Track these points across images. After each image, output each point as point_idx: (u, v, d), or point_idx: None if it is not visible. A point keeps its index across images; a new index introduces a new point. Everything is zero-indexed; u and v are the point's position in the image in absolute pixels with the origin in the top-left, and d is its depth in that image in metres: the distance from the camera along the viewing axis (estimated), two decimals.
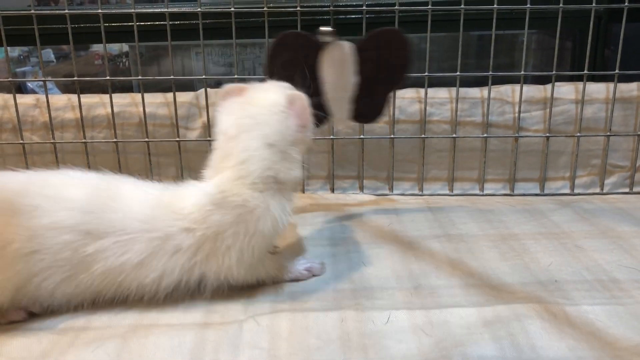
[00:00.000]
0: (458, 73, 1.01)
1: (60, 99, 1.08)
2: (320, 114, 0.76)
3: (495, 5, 0.97)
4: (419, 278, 0.74)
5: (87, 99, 1.06)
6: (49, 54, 1.90)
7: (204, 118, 1.04)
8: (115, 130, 1.03)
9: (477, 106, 1.07)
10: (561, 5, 0.98)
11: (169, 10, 0.97)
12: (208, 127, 1.02)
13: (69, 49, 1.01)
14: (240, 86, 0.71)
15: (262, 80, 0.76)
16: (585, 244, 0.83)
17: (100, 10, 0.95)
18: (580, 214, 0.95)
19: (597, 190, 1.07)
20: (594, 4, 0.99)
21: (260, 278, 0.71)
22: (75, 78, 1.00)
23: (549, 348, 0.59)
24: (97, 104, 1.07)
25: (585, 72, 1.01)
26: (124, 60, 1.92)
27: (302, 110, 0.67)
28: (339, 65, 0.82)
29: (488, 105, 1.04)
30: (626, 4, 0.98)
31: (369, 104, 0.85)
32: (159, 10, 1.04)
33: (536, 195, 1.06)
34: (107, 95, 1.01)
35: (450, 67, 1.00)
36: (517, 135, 1.05)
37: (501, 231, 0.89)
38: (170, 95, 1.04)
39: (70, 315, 0.66)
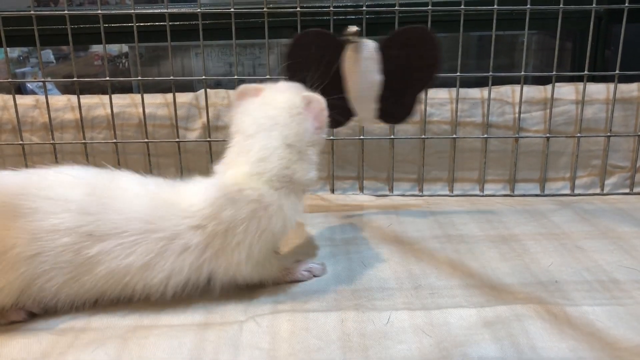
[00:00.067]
0: (458, 73, 1.01)
1: (59, 100, 1.08)
2: (336, 116, 0.75)
3: (495, 6, 0.97)
4: (419, 278, 0.74)
5: (87, 99, 1.06)
6: (48, 54, 1.90)
7: (204, 119, 1.04)
8: (115, 130, 1.03)
9: (477, 107, 1.07)
10: (561, 5, 0.98)
11: (169, 11, 0.97)
12: (208, 128, 1.02)
13: (69, 50, 1.01)
14: (256, 86, 0.72)
15: (273, 80, 0.76)
16: (586, 245, 0.83)
17: (99, 11, 0.95)
18: (581, 214, 0.95)
19: (598, 190, 1.07)
20: (594, 5, 0.99)
21: (265, 277, 0.71)
22: (74, 79, 1.00)
23: (550, 349, 0.58)
24: (96, 104, 1.07)
25: (586, 72, 1.01)
26: (123, 61, 1.92)
27: (319, 112, 0.68)
28: (362, 64, 0.80)
29: (488, 105, 1.04)
30: (626, 4, 0.98)
31: (397, 104, 0.83)
32: (159, 11, 1.04)
33: (536, 195, 1.06)
34: (107, 96, 1.01)
35: (450, 67, 1.00)
36: (517, 135, 1.05)
37: (501, 232, 0.89)
38: (169, 95, 1.03)
39: (70, 316, 0.66)
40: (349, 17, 1.09)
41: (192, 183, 0.70)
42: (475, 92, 1.08)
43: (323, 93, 0.70)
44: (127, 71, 1.85)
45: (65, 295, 0.64)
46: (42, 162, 1.02)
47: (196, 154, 1.06)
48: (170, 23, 0.97)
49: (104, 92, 1.04)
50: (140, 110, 1.02)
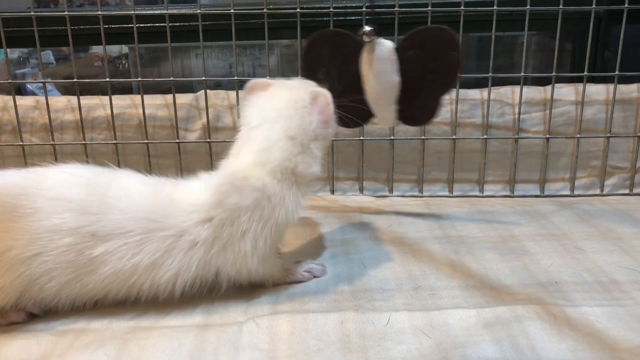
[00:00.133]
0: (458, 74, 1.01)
1: (59, 101, 1.08)
2: (348, 115, 0.74)
3: (495, 7, 0.97)
4: (418, 279, 0.74)
5: (87, 100, 1.06)
6: (48, 55, 1.90)
7: (204, 119, 1.04)
8: (115, 131, 1.03)
9: (477, 107, 1.07)
10: (561, 6, 0.98)
11: (169, 11, 0.97)
12: (208, 129, 1.02)
13: (69, 51, 1.01)
14: (265, 81, 0.73)
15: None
16: (586, 246, 0.83)
17: (99, 12, 0.95)
18: (581, 215, 0.95)
19: (597, 191, 1.07)
20: (593, 6, 0.99)
21: (269, 273, 0.71)
22: (74, 80, 1.00)
23: (549, 349, 0.58)
24: (96, 105, 1.07)
25: (585, 73, 1.01)
26: (123, 61, 1.92)
27: (324, 107, 0.69)
28: (377, 64, 0.79)
29: (488, 106, 1.04)
30: (626, 5, 0.98)
31: (418, 106, 0.82)
32: (159, 11, 1.04)
33: (536, 196, 1.06)
34: (107, 97, 1.01)
35: None
36: (517, 136, 1.05)
37: (501, 232, 0.89)
38: (169, 96, 1.03)
39: (70, 317, 0.66)
40: (349, 18, 1.09)
41: (195, 179, 0.70)
42: (475, 93, 1.08)
43: (341, 93, 0.70)
44: (127, 72, 1.86)
45: (66, 296, 0.64)
46: (42, 163, 1.03)
47: (196, 155, 1.06)
48: (170, 24, 0.97)
49: (104, 93, 1.04)
50: (140, 111, 1.02)
